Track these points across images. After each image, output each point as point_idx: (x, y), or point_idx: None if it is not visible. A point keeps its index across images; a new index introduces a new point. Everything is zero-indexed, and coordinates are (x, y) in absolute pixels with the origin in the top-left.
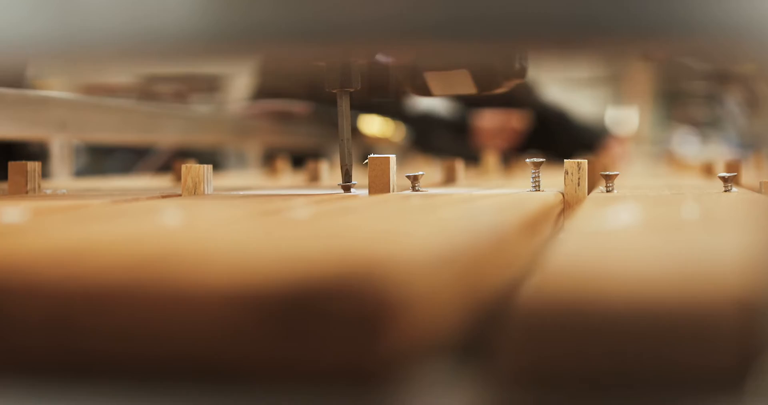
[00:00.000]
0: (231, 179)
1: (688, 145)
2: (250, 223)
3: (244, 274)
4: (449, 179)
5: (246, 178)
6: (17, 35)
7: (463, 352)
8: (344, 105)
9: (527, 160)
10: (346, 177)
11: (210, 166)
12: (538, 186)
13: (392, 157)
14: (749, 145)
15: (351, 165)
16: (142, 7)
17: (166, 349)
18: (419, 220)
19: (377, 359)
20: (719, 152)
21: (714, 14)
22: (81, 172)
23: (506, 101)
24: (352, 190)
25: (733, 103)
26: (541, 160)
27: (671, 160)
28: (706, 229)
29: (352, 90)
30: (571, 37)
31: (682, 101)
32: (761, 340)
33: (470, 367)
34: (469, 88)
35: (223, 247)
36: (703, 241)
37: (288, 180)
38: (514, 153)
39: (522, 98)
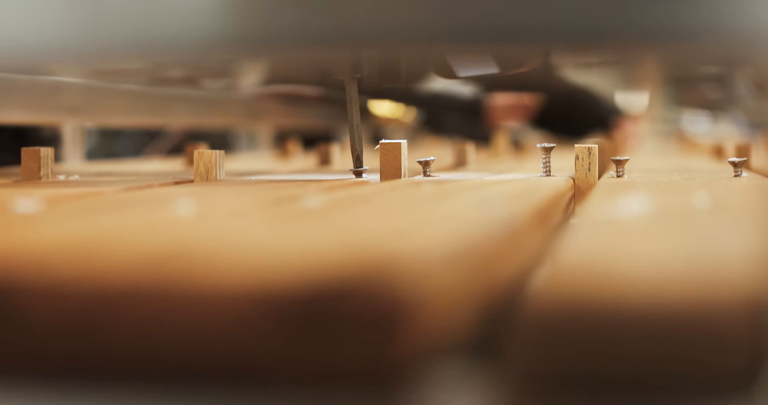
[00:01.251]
0: (242, 162)
1: (698, 125)
2: (262, 215)
3: (259, 273)
4: (460, 163)
5: (257, 161)
6: (41, 38)
7: (475, 351)
8: (353, 91)
9: (538, 145)
10: (357, 162)
11: (222, 152)
12: (549, 171)
13: (403, 143)
14: (759, 126)
15: (362, 150)
16: (159, 11)
17: (181, 350)
18: (431, 213)
19: (392, 360)
20: (729, 133)
21: (716, 19)
22: (91, 154)
23: (524, 81)
24: (363, 175)
25: (742, 85)
26: (552, 145)
27: (682, 139)
28: (717, 221)
29: (360, 76)
30: (580, 41)
31: (692, 83)
32: None
33: (483, 367)
34: (492, 68)
35: (237, 245)
36: (714, 235)
37: (299, 163)
38: (526, 131)
39: (542, 77)
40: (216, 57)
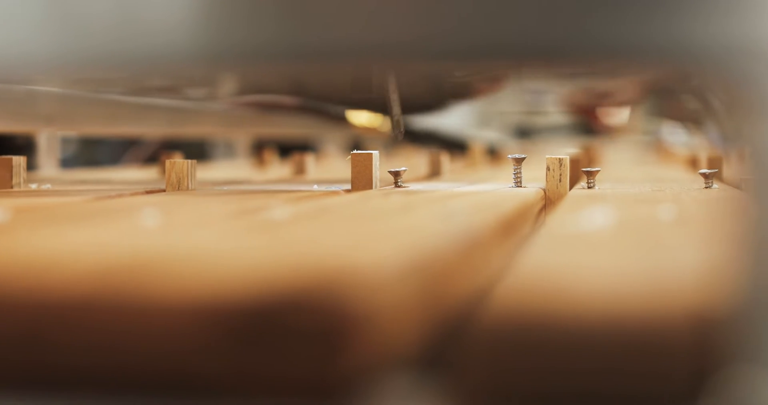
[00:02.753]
0: (218, 171)
1: (676, 136)
2: (221, 227)
3: (208, 286)
4: (434, 173)
5: (232, 170)
6: (17, 51)
7: (426, 365)
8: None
9: (509, 156)
10: (396, 126)
11: (194, 162)
12: (520, 182)
13: (375, 154)
14: (731, 138)
15: (400, 115)
16: (137, 23)
17: (129, 362)
18: (392, 225)
19: (338, 373)
20: (703, 145)
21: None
22: (70, 162)
23: None
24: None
25: (715, 99)
26: (523, 156)
27: (660, 149)
28: (677, 234)
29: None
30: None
31: (672, 95)
32: (717, 356)
33: (432, 381)
34: None
35: (190, 257)
36: (671, 248)
37: (274, 172)
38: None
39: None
40: (193, 69)
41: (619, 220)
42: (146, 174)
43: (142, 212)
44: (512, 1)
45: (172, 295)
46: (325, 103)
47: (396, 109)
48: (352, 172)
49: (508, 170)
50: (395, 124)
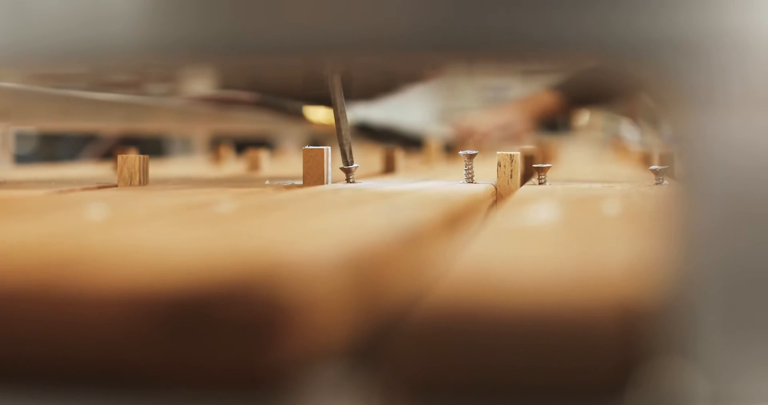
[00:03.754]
0: (172, 167)
1: (631, 134)
2: (164, 222)
3: (139, 277)
4: (388, 169)
5: (188, 167)
6: None
7: (358, 357)
8: (336, 86)
9: (460, 152)
10: (346, 159)
11: (146, 157)
12: (472, 178)
13: (327, 149)
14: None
15: (350, 145)
16: (93, 17)
17: (64, 353)
18: (335, 220)
19: (267, 365)
20: (657, 143)
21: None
22: (28, 159)
23: None
24: (353, 174)
25: (645, 94)
26: (474, 152)
27: (617, 147)
28: (616, 230)
29: (343, 70)
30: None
31: (631, 93)
32: (644, 348)
33: (362, 373)
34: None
35: (127, 249)
36: (607, 243)
37: (229, 168)
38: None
39: None
40: (146, 63)
41: (562, 216)
42: (102, 170)
43: (89, 206)
44: None
45: (106, 287)
46: (283, 99)
47: (346, 136)
48: (304, 168)
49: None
50: (347, 154)
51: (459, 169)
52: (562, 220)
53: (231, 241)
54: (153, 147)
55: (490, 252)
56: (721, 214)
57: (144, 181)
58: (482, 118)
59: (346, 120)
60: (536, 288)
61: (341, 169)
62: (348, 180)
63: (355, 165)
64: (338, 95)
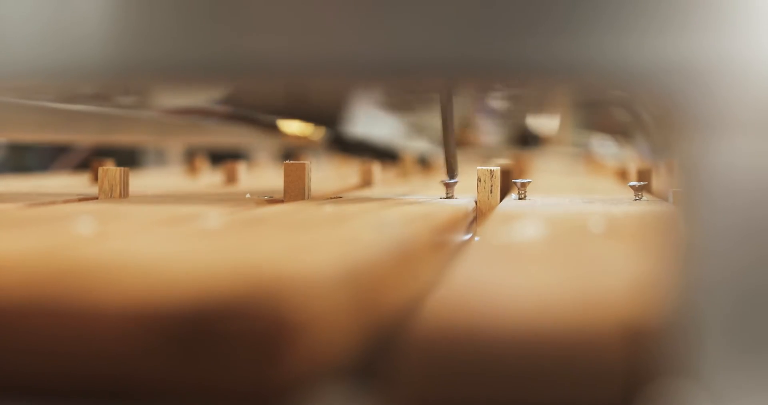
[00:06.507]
0: (149, 179)
1: (605, 148)
2: (158, 234)
3: (143, 293)
4: (365, 183)
5: (163, 178)
6: None
7: (360, 374)
8: (447, 102)
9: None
10: (451, 173)
11: (127, 170)
12: (452, 194)
13: (307, 164)
14: (659, 151)
15: (456, 161)
16: (63, 34)
17: (67, 367)
18: (324, 235)
19: (272, 382)
20: (632, 157)
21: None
22: (0, 169)
23: None
24: (454, 189)
25: (643, 112)
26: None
27: (590, 161)
28: (607, 248)
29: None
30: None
31: (602, 107)
32: (647, 370)
33: (364, 390)
34: None
35: (127, 263)
36: (600, 262)
37: (206, 180)
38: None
39: None
40: (119, 79)
41: (551, 233)
42: (77, 181)
43: (76, 219)
44: (442, 18)
45: (107, 302)
46: (257, 112)
47: (453, 151)
48: (285, 182)
49: (439, 180)
50: (453, 169)
51: (435, 182)
52: (551, 237)
53: (228, 255)
54: (127, 158)
55: (485, 271)
56: (725, 237)
57: (125, 193)
58: None
59: (453, 135)
60: (536, 309)
61: (442, 182)
62: (447, 195)
63: (455, 180)
64: (448, 111)
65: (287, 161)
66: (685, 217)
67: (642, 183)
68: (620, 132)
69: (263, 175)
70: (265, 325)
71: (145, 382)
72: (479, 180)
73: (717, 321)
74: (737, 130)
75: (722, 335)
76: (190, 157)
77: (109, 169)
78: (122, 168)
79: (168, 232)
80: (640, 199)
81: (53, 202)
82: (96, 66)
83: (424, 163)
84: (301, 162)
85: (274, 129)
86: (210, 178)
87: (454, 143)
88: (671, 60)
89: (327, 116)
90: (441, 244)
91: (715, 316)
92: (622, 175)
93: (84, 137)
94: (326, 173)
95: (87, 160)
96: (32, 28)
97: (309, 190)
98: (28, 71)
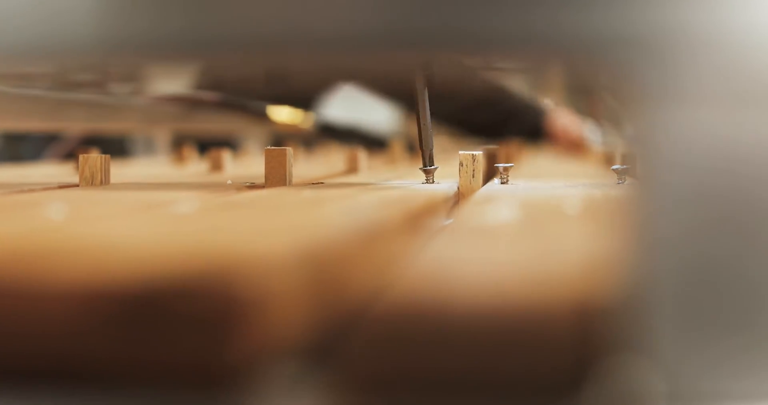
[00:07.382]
0: (135, 167)
1: (594, 134)
2: (124, 219)
3: (96, 274)
4: (351, 169)
5: (150, 167)
6: None
7: (313, 356)
8: (421, 90)
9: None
10: (429, 161)
11: (107, 157)
12: (432, 179)
13: (288, 150)
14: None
15: (432, 149)
16: (50, 14)
17: (15, 348)
18: (294, 218)
19: (224, 361)
20: (619, 143)
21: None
22: None
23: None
24: (434, 174)
25: (603, 92)
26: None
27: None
28: (574, 230)
29: (429, 74)
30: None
31: (593, 92)
32: (598, 346)
33: (318, 371)
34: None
35: (86, 247)
36: (565, 242)
37: (192, 169)
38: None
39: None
40: (103, 61)
41: (522, 215)
42: (64, 170)
43: (48, 206)
44: None
45: (61, 282)
46: (245, 99)
47: (429, 139)
48: (266, 168)
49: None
50: (426, 158)
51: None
52: (521, 219)
53: (188, 237)
54: (116, 147)
55: (449, 252)
56: (679, 212)
57: (105, 180)
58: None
59: (429, 122)
60: (493, 287)
61: (421, 169)
62: (427, 181)
63: (434, 166)
64: (422, 97)
65: (268, 147)
66: (639, 194)
67: (624, 166)
68: (608, 117)
69: (250, 163)
70: (215, 303)
71: (94, 361)
72: (461, 164)
73: (670, 299)
74: (690, 103)
75: (675, 313)
76: (177, 146)
77: (90, 157)
78: (103, 155)
79: (138, 217)
80: (623, 182)
81: (32, 190)
82: (81, 45)
83: (413, 151)
84: (282, 148)
85: (263, 116)
86: (197, 167)
87: (429, 130)
88: (624, 30)
89: (314, 101)
90: (415, 227)
91: (668, 294)
92: (609, 160)
93: (73, 125)
94: (314, 160)
95: (76, 150)
96: (16, 6)
97: (290, 176)
98: (10, 45)
